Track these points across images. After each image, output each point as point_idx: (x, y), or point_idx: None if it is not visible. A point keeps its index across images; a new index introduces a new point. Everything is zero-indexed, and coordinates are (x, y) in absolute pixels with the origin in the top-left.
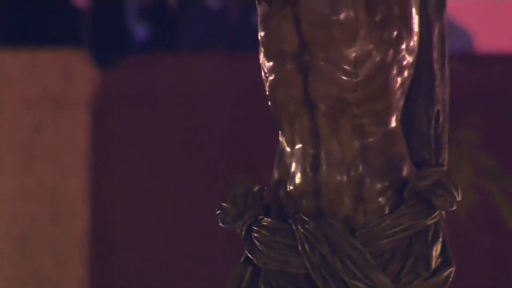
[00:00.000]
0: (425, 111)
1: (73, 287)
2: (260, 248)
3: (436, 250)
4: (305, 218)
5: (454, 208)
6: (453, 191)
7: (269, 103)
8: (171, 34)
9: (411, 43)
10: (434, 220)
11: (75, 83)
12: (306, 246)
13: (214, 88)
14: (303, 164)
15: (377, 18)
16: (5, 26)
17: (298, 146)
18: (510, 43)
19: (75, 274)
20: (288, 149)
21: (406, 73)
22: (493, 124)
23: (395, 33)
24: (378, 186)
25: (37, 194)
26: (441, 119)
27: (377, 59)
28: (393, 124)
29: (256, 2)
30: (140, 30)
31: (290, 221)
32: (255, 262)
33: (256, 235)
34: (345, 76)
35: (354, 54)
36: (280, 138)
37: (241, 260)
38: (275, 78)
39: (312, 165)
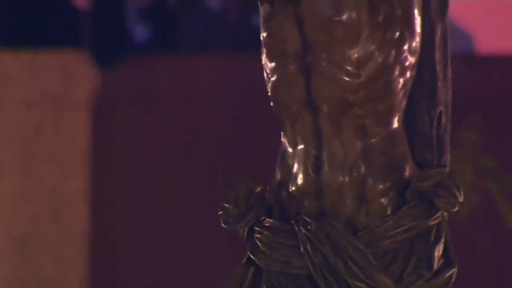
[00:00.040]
0: (427, 112)
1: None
2: (262, 249)
3: (438, 251)
4: (307, 219)
5: (456, 209)
6: (455, 192)
7: (271, 103)
8: (171, 34)
9: (414, 44)
10: (436, 221)
11: (75, 83)
12: (308, 247)
13: (214, 89)
14: (305, 165)
15: (380, 19)
16: (5, 26)
17: (300, 146)
18: (511, 44)
19: (75, 274)
20: (290, 150)
21: (408, 74)
22: (494, 125)
23: (397, 34)
24: (380, 186)
25: (37, 194)
26: (443, 120)
27: (380, 60)
28: (395, 125)
29: (258, 3)
30: (140, 31)
31: (292, 222)
32: (257, 263)
33: (258, 236)
34: (347, 77)
35: (356, 55)
36: (282, 139)
37: (243, 261)
38: (277, 79)
39: (314, 166)
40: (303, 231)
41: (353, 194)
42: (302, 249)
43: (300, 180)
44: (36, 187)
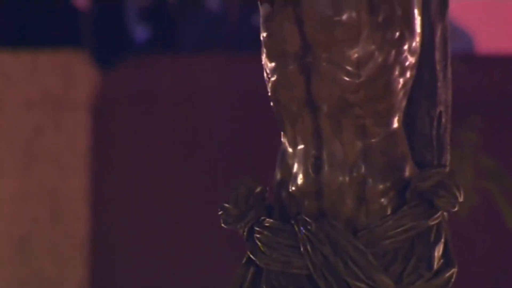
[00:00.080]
0: (427, 112)
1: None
2: (262, 249)
3: (438, 251)
4: (307, 219)
5: (456, 209)
6: (455, 192)
7: (271, 103)
8: (171, 34)
9: (414, 44)
10: (436, 221)
11: (76, 84)
12: (308, 247)
13: (214, 89)
14: (305, 165)
15: (380, 19)
16: (5, 26)
17: (300, 146)
18: (511, 44)
19: (75, 275)
20: (290, 150)
21: (408, 74)
22: (494, 125)
23: (397, 34)
24: (380, 186)
25: (37, 194)
26: (443, 120)
27: (380, 60)
28: (395, 125)
29: (258, 3)
30: (140, 31)
31: (292, 222)
32: (257, 263)
33: (258, 236)
34: (347, 77)
35: (356, 55)
36: (282, 139)
37: (243, 261)
38: (277, 79)
39: (314, 166)
40: (303, 231)
41: (353, 194)
42: (302, 249)
43: (300, 180)
44: (36, 187)
